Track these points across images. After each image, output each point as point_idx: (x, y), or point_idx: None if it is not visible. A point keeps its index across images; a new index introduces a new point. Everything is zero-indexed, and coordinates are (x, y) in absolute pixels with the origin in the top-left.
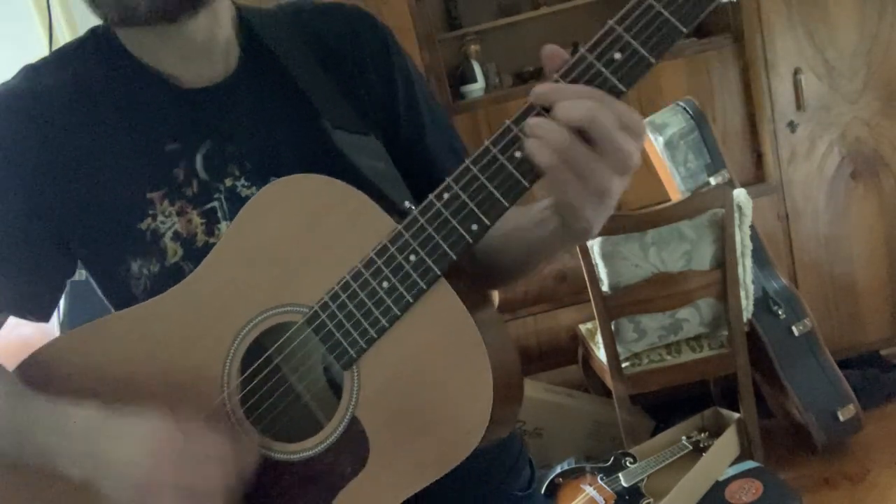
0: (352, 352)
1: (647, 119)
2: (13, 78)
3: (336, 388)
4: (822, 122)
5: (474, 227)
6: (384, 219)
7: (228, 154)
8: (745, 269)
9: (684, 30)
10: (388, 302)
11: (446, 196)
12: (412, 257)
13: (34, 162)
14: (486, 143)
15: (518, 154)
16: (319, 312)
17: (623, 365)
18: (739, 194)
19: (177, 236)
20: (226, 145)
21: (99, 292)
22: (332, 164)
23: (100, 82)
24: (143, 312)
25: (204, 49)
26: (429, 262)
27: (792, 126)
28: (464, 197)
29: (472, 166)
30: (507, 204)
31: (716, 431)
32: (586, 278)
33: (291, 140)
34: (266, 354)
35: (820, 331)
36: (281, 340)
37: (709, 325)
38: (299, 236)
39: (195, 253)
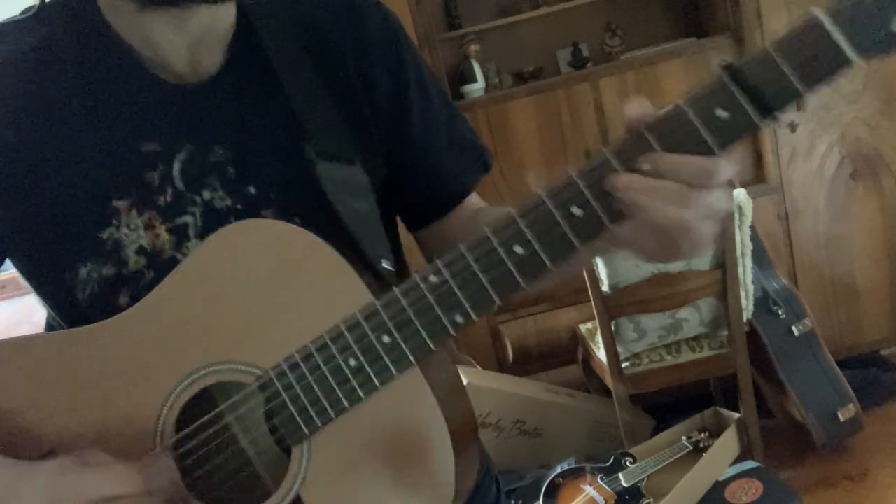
0: (305, 429)
1: None
2: None
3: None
4: (822, 122)
5: (459, 318)
6: (360, 289)
7: (210, 163)
8: (745, 269)
9: (802, 90)
10: (353, 383)
11: (434, 280)
12: (385, 338)
13: None
14: (487, 231)
15: (518, 249)
16: (275, 381)
17: (623, 365)
18: (739, 194)
19: (141, 251)
20: (208, 152)
21: (34, 292)
22: (312, 202)
23: (71, 57)
24: (76, 338)
25: (202, 34)
26: (404, 348)
27: (792, 126)
28: (452, 285)
29: (467, 254)
30: (497, 300)
31: (716, 431)
32: (586, 278)
33: (275, 157)
34: (215, 412)
35: (820, 331)
36: (231, 401)
37: (709, 325)
38: (266, 289)
39: (161, 264)
